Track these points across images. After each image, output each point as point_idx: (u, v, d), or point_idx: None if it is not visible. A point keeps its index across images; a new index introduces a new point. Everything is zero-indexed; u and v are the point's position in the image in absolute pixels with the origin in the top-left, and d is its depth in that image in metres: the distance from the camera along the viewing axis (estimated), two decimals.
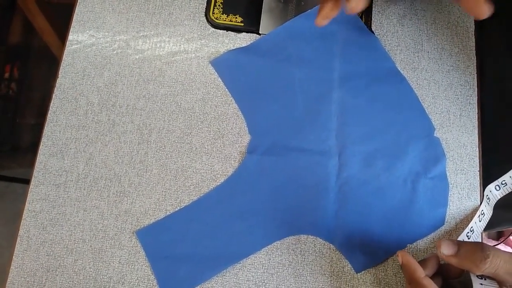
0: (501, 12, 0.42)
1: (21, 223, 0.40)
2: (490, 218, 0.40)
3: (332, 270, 0.39)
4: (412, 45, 0.44)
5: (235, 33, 0.45)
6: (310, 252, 0.39)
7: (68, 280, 0.38)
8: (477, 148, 0.42)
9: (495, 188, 0.39)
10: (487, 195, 0.39)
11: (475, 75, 0.44)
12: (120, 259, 0.39)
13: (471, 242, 0.34)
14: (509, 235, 0.91)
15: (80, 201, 0.40)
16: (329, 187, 0.40)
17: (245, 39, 0.44)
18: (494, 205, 0.40)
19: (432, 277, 0.34)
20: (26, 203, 0.40)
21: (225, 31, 0.45)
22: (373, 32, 0.45)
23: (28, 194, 0.40)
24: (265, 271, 0.39)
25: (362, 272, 0.39)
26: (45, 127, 0.42)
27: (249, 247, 0.39)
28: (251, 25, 0.44)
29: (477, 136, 0.42)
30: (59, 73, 0.43)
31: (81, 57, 0.44)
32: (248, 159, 0.41)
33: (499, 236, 0.97)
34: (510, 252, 0.30)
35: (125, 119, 0.42)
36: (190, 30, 0.45)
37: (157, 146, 0.42)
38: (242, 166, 0.41)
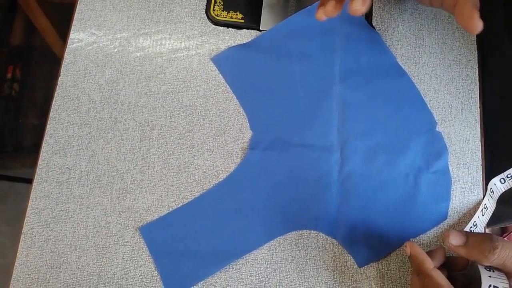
0: (502, 5, 0.42)
1: (25, 221, 0.40)
2: (494, 214, 0.40)
3: (335, 265, 0.39)
4: (413, 39, 0.44)
5: (235, 30, 0.45)
6: (313, 247, 0.39)
7: (72, 277, 0.38)
8: (479, 142, 0.42)
9: (500, 181, 0.39)
10: (490, 188, 0.39)
11: (477, 69, 0.44)
12: (123, 256, 0.39)
13: (480, 233, 0.34)
14: None
15: (83, 198, 0.40)
16: (331, 182, 0.40)
17: (245, 36, 0.45)
18: (498, 201, 0.40)
19: (438, 268, 0.34)
20: (30, 200, 0.40)
21: (226, 27, 0.45)
22: (373, 27, 0.44)
23: (31, 192, 0.41)
24: (268, 266, 0.39)
25: (365, 266, 0.39)
26: (48, 125, 0.42)
27: (252, 243, 0.39)
28: (252, 22, 0.44)
29: (479, 130, 0.42)
30: (61, 71, 0.44)
31: (82, 55, 0.44)
32: (250, 155, 0.41)
33: (503, 232, 0.97)
34: None
35: (127, 117, 0.42)
36: (191, 27, 0.45)
37: (159, 143, 0.42)
38: (244, 162, 0.41)
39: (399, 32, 0.45)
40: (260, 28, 0.44)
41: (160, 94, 0.43)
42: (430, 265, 0.31)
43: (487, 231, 0.41)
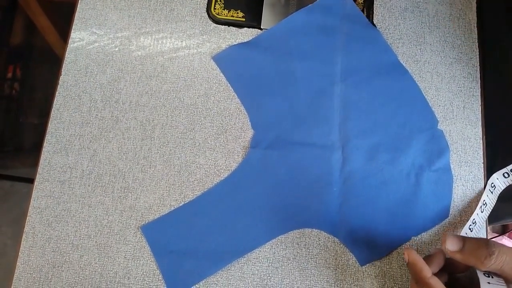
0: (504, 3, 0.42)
1: (27, 220, 0.40)
2: (495, 211, 0.40)
3: (336, 264, 0.39)
4: (414, 38, 0.44)
5: (236, 28, 0.45)
6: (315, 246, 0.39)
7: (74, 276, 0.39)
8: (481, 140, 0.42)
9: (504, 175, 0.38)
10: (491, 183, 0.39)
11: (478, 67, 0.44)
12: (125, 255, 0.39)
13: (477, 238, 0.33)
14: None
15: (85, 197, 0.40)
16: (333, 181, 0.40)
17: (246, 34, 0.44)
18: (499, 198, 0.40)
19: (438, 272, 0.33)
20: (31, 200, 0.40)
21: (227, 26, 0.45)
22: (375, 25, 0.44)
23: (33, 191, 0.41)
24: (270, 265, 0.39)
25: (367, 265, 0.39)
26: (49, 125, 0.42)
27: (254, 241, 0.39)
28: (253, 20, 0.44)
29: (480, 128, 0.42)
30: (62, 70, 0.44)
31: (83, 54, 0.44)
32: (252, 153, 0.41)
33: (504, 230, 0.96)
34: None
35: (128, 116, 0.42)
36: (192, 26, 0.45)
37: (161, 142, 0.42)
38: (245, 160, 0.41)
39: (400, 31, 0.45)
40: (261, 27, 0.44)
41: (161, 93, 0.43)
42: (428, 273, 0.31)
43: (488, 228, 0.41)
